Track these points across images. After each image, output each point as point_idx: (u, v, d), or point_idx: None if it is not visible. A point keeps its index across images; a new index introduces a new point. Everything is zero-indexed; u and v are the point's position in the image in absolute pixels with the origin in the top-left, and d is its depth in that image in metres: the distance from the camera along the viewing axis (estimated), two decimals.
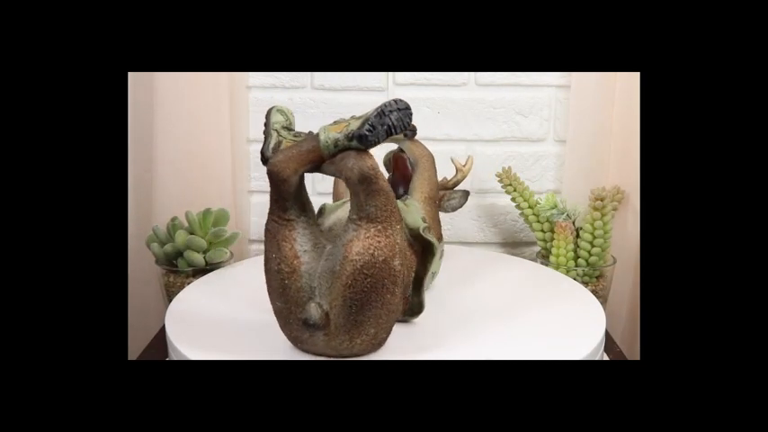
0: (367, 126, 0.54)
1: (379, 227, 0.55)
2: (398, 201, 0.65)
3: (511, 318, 0.67)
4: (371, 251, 0.54)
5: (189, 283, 0.79)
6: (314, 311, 0.55)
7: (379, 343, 0.58)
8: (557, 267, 0.87)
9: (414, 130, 0.80)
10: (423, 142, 0.79)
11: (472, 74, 0.98)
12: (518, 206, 0.94)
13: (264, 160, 0.59)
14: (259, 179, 1.01)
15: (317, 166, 0.57)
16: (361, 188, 0.54)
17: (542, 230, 0.92)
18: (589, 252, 0.88)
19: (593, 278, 0.88)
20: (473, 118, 0.99)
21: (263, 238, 0.58)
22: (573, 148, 0.96)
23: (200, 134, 0.93)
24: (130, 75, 0.91)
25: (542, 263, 0.89)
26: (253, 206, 1.02)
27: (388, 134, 0.55)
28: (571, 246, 0.88)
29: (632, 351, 0.96)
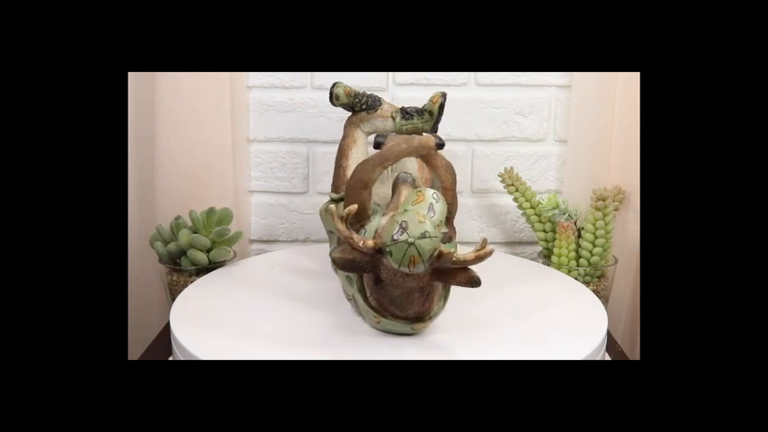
0: None
1: None
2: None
3: (512, 317, 0.67)
4: None
5: (192, 282, 0.79)
6: None
7: None
8: (558, 267, 0.87)
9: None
10: None
11: (472, 74, 0.98)
12: (520, 206, 0.94)
13: None
14: (259, 179, 1.01)
15: None
16: None
17: (544, 230, 0.92)
18: (591, 252, 0.87)
19: (595, 278, 0.88)
20: (473, 118, 0.99)
21: None
22: (574, 147, 0.96)
23: (201, 134, 0.93)
24: (133, 75, 0.91)
25: (544, 263, 0.89)
26: (253, 206, 1.02)
27: None
28: (573, 246, 0.88)
29: (633, 351, 0.96)
